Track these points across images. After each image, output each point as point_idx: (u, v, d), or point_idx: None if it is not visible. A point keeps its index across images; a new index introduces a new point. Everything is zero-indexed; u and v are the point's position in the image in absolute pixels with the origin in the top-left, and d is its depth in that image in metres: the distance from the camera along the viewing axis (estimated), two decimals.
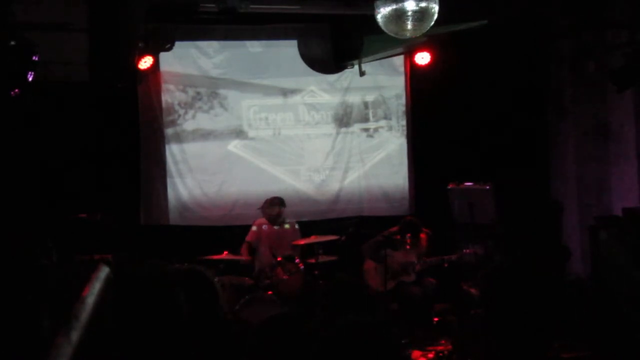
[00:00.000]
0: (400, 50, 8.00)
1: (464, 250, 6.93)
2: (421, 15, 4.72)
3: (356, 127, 8.64)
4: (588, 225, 6.94)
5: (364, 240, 7.28)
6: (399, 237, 7.15)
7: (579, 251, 7.67)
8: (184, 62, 8.18)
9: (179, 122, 8.23)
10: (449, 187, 7.67)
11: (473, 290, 6.71)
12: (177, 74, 8.18)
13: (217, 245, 6.97)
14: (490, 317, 2.66)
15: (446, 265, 7.05)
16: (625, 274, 5.54)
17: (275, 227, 7.45)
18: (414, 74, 8.55)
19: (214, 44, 8.27)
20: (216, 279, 2.95)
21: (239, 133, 8.36)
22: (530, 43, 7.96)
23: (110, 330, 1.97)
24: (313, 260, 6.92)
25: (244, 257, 7.24)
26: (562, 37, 7.80)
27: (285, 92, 8.47)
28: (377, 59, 7.97)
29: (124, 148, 7.88)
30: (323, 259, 6.94)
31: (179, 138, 8.21)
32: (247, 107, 8.40)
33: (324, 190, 8.53)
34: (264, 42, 8.34)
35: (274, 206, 7.41)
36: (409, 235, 7.11)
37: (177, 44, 7.54)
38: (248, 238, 7.42)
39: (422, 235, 7.26)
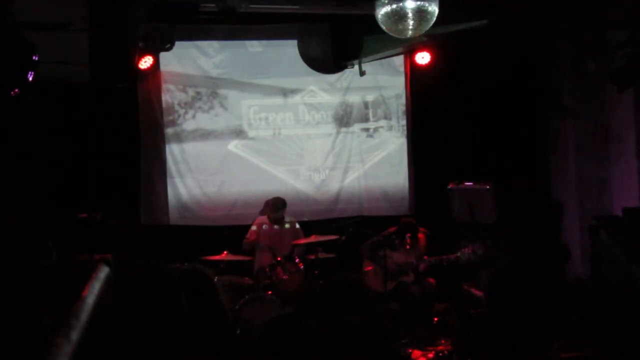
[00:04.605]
0: (400, 50, 8.00)
1: (463, 249, 6.93)
2: (421, 15, 4.72)
3: (356, 127, 8.65)
4: (588, 225, 6.93)
5: (364, 240, 7.28)
6: (397, 238, 7.16)
7: (579, 251, 7.67)
8: (184, 62, 8.18)
9: (179, 122, 8.23)
10: (449, 187, 7.67)
11: (473, 290, 6.72)
12: (177, 74, 8.18)
13: (217, 245, 6.98)
14: (492, 317, 2.67)
15: (446, 264, 7.05)
16: (625, 273, 5.54)
17: (276, 227, 7.46)
18: (414, 74, 8.56)
19: (214, 44, 8.28)
20: (216, 279, 2.95)
21: (239, 133, 8.37)
22: (530, 43, 7.96)
23: (110, 330, 1.97)
24: (313, 257, 6.92)
25: (252, 239, 7.28)
26: (562, 37, 7.79)
27: (285, 92, 8.47)
28: (377, 59, 7.98)
29: (124, 148, 7.88)
30: (323, 255, 6.94)
31: (179, 138, 8.21)
32: (247, 107, 8.41)
33: (324, 190, 8.54)
34: (264, 42, 8.35)
35: (278, 209, 7.41)
36: (408, 235, 7.12)
37: (177, 44, 7.56)
38: (248, 237, 7.43)
39: (421, 236, 7.26)
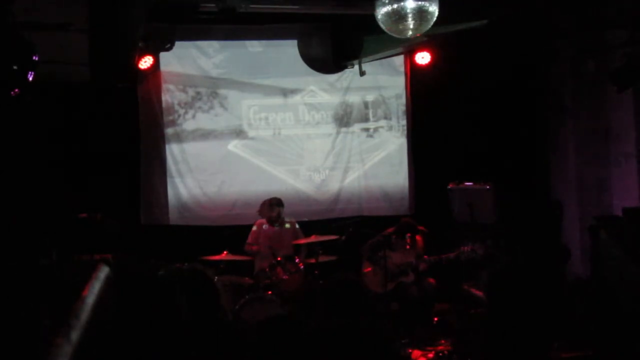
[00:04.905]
0: (400, 50, 8.00)
1: (462, 248, 6.93)
2: (421, 15, 4.72)
3: (356, 127, 8.65)
4: (588, 225, 6.93)
5: (364, 240, 7.28)
6: (397, 238, 7.16)
7: (579, 251, 7.67)
8: (184, 62, 8.18)
9: (179, 122, 8.23)
10: (449, 187, 7.67)
11: (473, 290, 6.72)
12: (177, 74, 8.18)
13: (217, 245, 6.98)
14: (492, 317, 2.67)
15: (445, 263, 7.05)
16: (625, 273, 5.54)
17: (276, 227, 7.46)
18: (414, 74, 8.56)
19: (214, 44, 8.28)
20: (216, 279, 2.95)
21: (239, 133, 8.37)
22: (530, 43, 7.96)
23: (110, 330, 1.97)
24: (313, 261, 6.93)
25: (253, 249, 7.28)
26: (562, 37, 7.79)
27: (285, 92, 8.47)
28: (377, 59, 7.97)
29: (124, 148, 7.88)
30: (323, 259, 6.95)
31: (179, 138, 8.21)
32: (247, 107, 8.41)
33: (324, 190, 8.54)
34: (264, 42, 8.34)
35: (274, 207, 7.42)
36: (408, 235, 7.12)
37: (177, 44, 7.56)
38: (249, 239, 7.43)
39: (418, 237, 7.26)
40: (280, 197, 7.62)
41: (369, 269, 7.18)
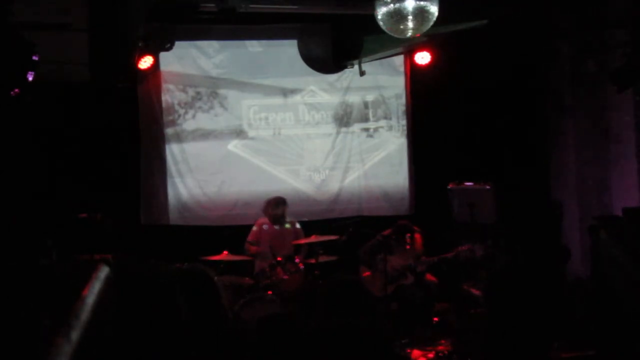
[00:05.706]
0: (400, 50, 8.01)
1: (459, 248, 6.93)
2: (421, 15, 4.73)
3: (356, 127, 8.65)
4: (588, 226, 6.93)
5: (364, 240, 7.28)
6: (397, 240, 7.15)
7: (579, 251, 7.66)
8: (184, 62, 8.18)
9: (179, 122, 8.23)
10: (449, 187, 7.67)
11: (473, 290, 6.72)
12: (177, 74, 8.19)
13: (217, 245, 6.98)
14: (492, 317, 2.67)
15: (443, 264, 7.05)
16: (625, 273, 5.54)
17: (276, 227, 7.46)
18: (414, 74, 8.56)
19: (214, 44, 8.28)
20: (216, 279, 2.95)
21: (239, 133, 8.37)
22: (530, 43, 7.96)
23: (110, 330, 1.97)
24: (313, 261, 6.93)
25: (252, 250, 7.26)
26: (562, 37, 7.79)
27: (285, 92, 8.48)
28: (377, 59, 7.98)
29: (124, 148, 7.88)
30: (323, 259, 6.95)
31: (179, 138, 8.22)
32: (247, 107, 8.41)
33: (324, 190, 8.54)
34: (264, 42, 8.35)
35: (279, 206, 7.42)
36: (408, 235, 7.12)
37: (177, 44, 7.55)
38: (249, 238, 7.43)
39: (417, 236, 7.26)
40: (282, 196, 7.62)
41: (368, 273, 7.17)
